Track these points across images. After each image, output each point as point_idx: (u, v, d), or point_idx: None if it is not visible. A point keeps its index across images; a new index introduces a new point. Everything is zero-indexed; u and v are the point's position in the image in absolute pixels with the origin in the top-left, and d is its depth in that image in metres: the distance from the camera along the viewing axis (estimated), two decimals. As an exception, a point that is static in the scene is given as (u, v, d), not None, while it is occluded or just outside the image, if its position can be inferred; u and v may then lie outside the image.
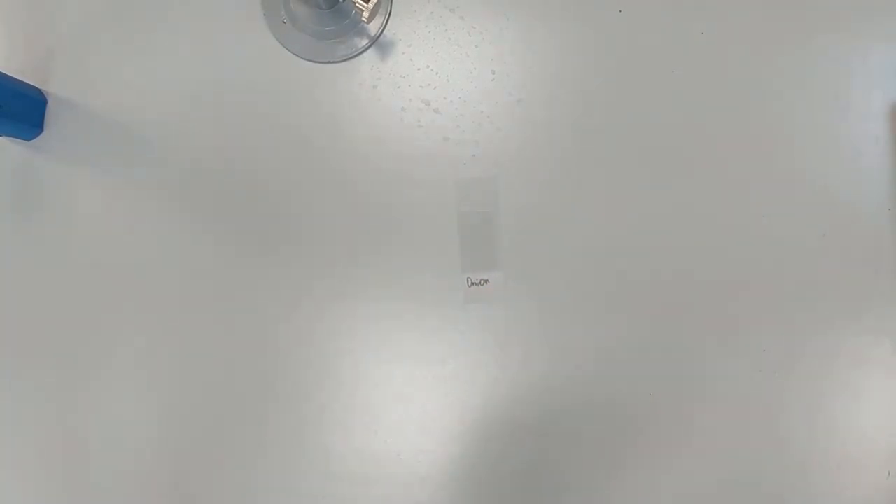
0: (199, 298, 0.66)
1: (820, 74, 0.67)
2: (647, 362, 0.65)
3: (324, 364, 0.66)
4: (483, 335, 0.66)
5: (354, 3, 0.61)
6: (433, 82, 0.68)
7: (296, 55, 0.68)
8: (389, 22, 0.68)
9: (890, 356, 0.66)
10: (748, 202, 0.67)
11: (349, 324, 0.66)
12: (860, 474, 0.65)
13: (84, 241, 0.67)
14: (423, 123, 0.68)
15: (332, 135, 0.67)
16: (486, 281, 0.66)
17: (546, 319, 0.66)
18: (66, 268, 0.67)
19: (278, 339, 0.66)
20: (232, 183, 0.67)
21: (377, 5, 0.61)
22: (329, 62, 0.68)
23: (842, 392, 0.65)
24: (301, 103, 0.68)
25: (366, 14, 0.61)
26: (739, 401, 0.65)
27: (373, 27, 0.68)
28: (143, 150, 0.68)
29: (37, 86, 0.68)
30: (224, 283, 0.66)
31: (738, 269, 0.66)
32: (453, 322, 0.66)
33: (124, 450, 0.66)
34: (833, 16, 0.68)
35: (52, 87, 0.68)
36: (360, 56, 0.68)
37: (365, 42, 0.68)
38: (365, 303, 0.66)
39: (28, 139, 0.68)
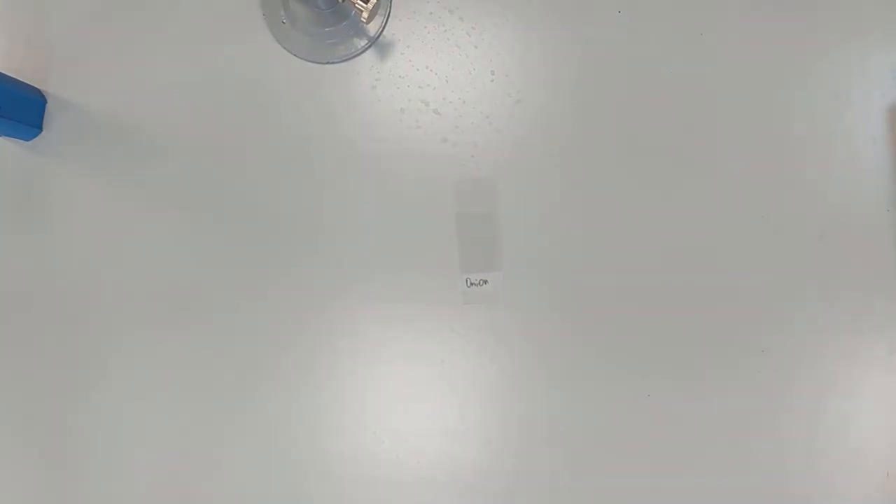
0: (198, 298, 0.66)
1: (818, 75, 0.68)
2: (647, 362, 0.65)
3: (322, 364, 0.66)
4: (482, 336, 0.66)
5: (354, 3, 0.61)
6: (432, 83, 0.68)
7: (295, 55, 0.68)
8: (388, 22, 0.68)
9: (889, 356, 0.66)
10: (747, 202, 0.67)
11: (347, 324, 0.66)
12: (860, 474, 0.65)
13: (83, 242, 0.67)
14: (422, 124, 0.68)
15: (331, 135, 0.67)
16: (485, 281, 0.66)
17: (545, 320, 0.66)
18: (65, 268, 0.67)
19: (276, 339, 0.66)
20: (230, 183, 0.67)
21: (376, 6, 0.61)
22: (328, 62, 0.68)
23: (841, 392, 0.65)
24: (300, 104, 0.68)
25: (365, 14, 0.61)
26: (739, 401, 0.65)
27: (372, 28, 0.68)
28: (142, 150, 0.68)
29: (36, 86, 0.68)
30: (222, 283, 0.66)
31: (738, 269, 0.66)
32: (452, 322, 0.66)
33: (122, 450, 0.65)
34: (832, 16, 0.68)
35: (52, 87, 0.68)
36: (360, 56, 0.68)
37: (364, 42, 0.68)
38: (363, 303, 0.66)
39: (27, 139, 0.68)
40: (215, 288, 0.66)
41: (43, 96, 0.68)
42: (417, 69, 0.68)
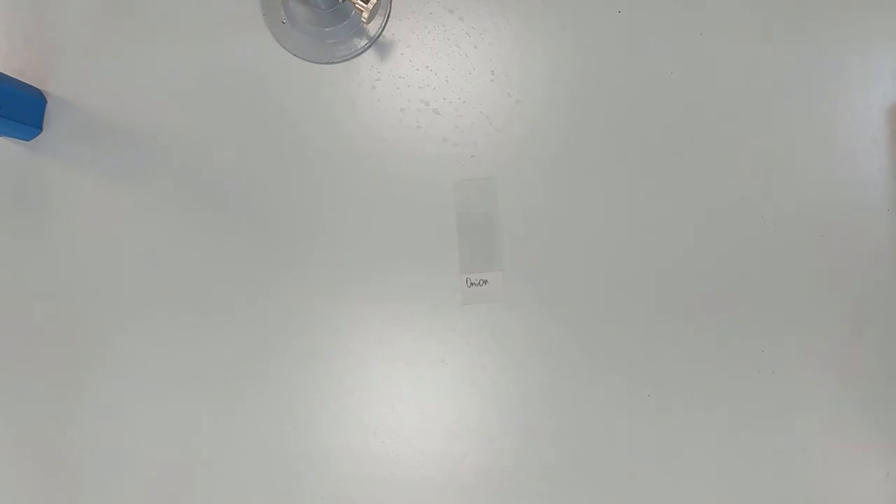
0: (198, 298, 0.66)
1: (818, 75, 0.68)
2: (647, 362, 0.65)
3: (322, 364, 0.66)
4: (482, 336, 0.66)
5: (354, 3, 0.61)
6: (432, 83, 0.68)
7: (295, 55, 0.68)
8: (388, 23, 0.68)
9: (889, 356, 0.66)
10: (747, 202, 0.67)
11: (348, 324, 0.66)
12: (860, 474, 0.65)
13: (83, 242, 0.67)
14: (422, 124, 0.68)
15: (331, 135, 0.67)
16: (485, 281, 0.66)
17: (545, 320, 0.66)
18: (65, 268, 0.67)
19: (276, 338, 0.66)
20: (230, 183, 0.67)
21: (376, 6, 0.61)
22: (328, 63, 0.68)
23: (841, 391, 0.65)
24: (300, 104, 0.68)
25: (365, 15, 0.61)
26: (739, 400, 0.65)
27: (372, 28, 0.68)
28: (142, 150, 0.68)
29: (36, 86, 0.68)
30: (223, 282, 0.66)
31: (737, 269, 0.66)
32: (452, 322, 0.66)
33: (122, 450, 0.65)
34: (832, 16, 0.68)
35: (52, 87, 0.68)
36: (360, 57, 0.68)
37: (364, 43, 0.68)
38: (363, 303, 0.66)
39: (27, 139, 0.68)
40: (215, 287, 0.66)
41: (43, 96, 0.68)
42: (417, 69, 0.68)
